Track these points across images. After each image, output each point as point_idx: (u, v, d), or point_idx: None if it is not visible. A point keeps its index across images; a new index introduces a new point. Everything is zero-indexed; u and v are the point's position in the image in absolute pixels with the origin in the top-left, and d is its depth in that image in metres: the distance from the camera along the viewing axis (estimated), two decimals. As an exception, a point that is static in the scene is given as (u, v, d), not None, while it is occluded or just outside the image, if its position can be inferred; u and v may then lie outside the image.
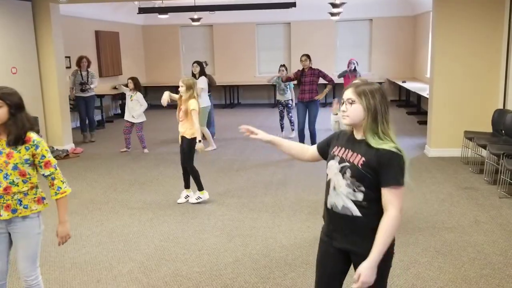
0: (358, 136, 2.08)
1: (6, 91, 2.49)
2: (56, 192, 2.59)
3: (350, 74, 9.26)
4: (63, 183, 2.61)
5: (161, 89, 14.06)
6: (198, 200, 5.16)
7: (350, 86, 2.08)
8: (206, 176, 6.26)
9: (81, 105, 8.72)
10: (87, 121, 8.92)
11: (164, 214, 4.92)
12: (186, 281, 3.49)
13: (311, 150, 2.38)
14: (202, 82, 7.63)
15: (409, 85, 11.14)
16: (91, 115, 8.91)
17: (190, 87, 4.95)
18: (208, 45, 14.06)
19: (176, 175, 6.39)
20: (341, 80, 9.59)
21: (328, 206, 2.14)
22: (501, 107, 6.59)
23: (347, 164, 2.06)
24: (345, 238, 2.10)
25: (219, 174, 6.41)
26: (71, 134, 8.32)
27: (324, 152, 2.28)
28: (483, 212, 4.75)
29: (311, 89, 7.22)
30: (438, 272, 3.53)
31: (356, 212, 2.02)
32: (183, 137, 5.04)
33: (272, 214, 4.85)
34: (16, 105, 2.48)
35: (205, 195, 5.20)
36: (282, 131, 8.96)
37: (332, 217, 2.13)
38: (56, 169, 2.58)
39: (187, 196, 5.24)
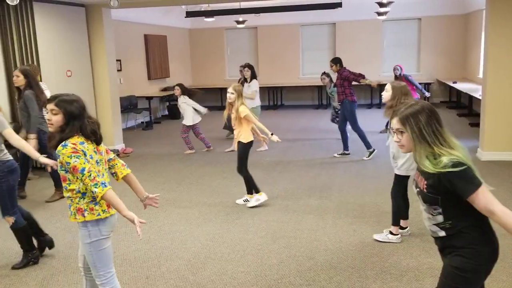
0: None
1: (65, 99, 2.55)
2: (97, 194, 2.47)
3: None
4: (93, 186, 2.45)
5: (207, 91, 14.38)
6: (257, 203, 5.17)
7: (394, 115, 2.06)
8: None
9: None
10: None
11: (210, 214, 5.00)
12: (231, 281, 3.54)
13: None
14: (254, 85, 7.93)
15: (460, 86, 10.75)
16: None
17: (240, 94, 4.98)
18: (253, 47, 14.17)
19: (221, 175, 6.49)
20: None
21: None
22: (560, 108, 6.24)
23: (418, 189, 2.07)
24: (442, 254, 2.13)
25: (262, 176, 6.44)
26: (121, 134, 8.62)
27: None
28: (541, 219, 4.51)
29: (338, 91, 7.31)
30: (489, 279, 3.36)
31: (441, 232, 2.04)
32: (238, 142, 5.07)
33: (317, 216, 4.82)
34: (70, 114, 2.51)
35: (262, 196, 5.22)
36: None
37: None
38: (83, 174, 2.44)
39: (246, 200, 5.29)
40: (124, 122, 10.35)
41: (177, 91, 7.89)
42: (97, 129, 2.63)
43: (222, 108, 13.61)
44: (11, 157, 3.74)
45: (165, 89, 12.47)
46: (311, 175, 6.37)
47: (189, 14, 10.20)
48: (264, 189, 5.51)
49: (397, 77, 9.00)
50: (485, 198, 1.91)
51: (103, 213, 2.61)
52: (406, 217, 4.17)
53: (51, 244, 4.07)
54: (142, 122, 11.58)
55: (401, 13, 12.37)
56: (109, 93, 8.20)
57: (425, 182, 1.99)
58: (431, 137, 1.95)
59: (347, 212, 4.90)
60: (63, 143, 2.50)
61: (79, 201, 2.57)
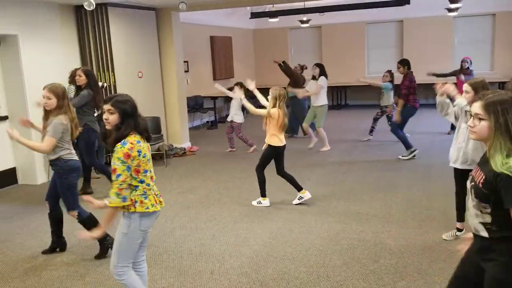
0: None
1: (119, 99, 2.71)
2: (109, 201, 2.68)
3: (459, 73, 8.62)
4: (115, 193, 2.65)
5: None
6: (257, 205, 5.30)
7: (479, 99, 1.92)
8: (313, 177, 6.31)
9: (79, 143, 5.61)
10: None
11: (271, 213, 5.06)
12: (294, 280, 3.56)
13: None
14: (322, 81, 8.22)
15: (540, 85, 10.02)
16: (90, 160, 5.77)
17: (275, 98, 5.00)
18: (317, 46, 14.06)
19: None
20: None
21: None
22: None
23: (473, 183, 1.97)
24: (477, 255, 2.03)
25: (326, 176, 6.41)
26: (188, 133, 8.92)
27: None
28: None
29: (402, 93, 7.15)
30: None
31: (483, 232, 1.94)
32: (268, 144, 5.16)
33: (381, 218, 4.72)
34: (124, 112, 2.68)
35: (266, 201, 5.32)
36: (370, 133, 8.75)
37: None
38: (116, 179, 2.62)
39: (300, 198, 5.31)
40: (190, 122, 10.68)
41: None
42: (147, 126, 2.82)
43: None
44: (74, 157, 3.95)
45: (229, 89, 12.69)
46: (376, 176, 6.24)
47: (254, 15, 10.32)
48: (327, 189, 5.49)
49: (462, 69, 8.55)
50: None
51: (152, 207, 2.75)
52: None
53: (63, 247, 4.27)
54: (207, 122, 11.89)
55: (473, 9, 11.73)
56: (177, 93, 8.51)
57: (483, 177, 1.88)
58: None
59: (413, 215, 4.76)
60: (123, 141, 2.66)
61: (131, 193, 2.70)
